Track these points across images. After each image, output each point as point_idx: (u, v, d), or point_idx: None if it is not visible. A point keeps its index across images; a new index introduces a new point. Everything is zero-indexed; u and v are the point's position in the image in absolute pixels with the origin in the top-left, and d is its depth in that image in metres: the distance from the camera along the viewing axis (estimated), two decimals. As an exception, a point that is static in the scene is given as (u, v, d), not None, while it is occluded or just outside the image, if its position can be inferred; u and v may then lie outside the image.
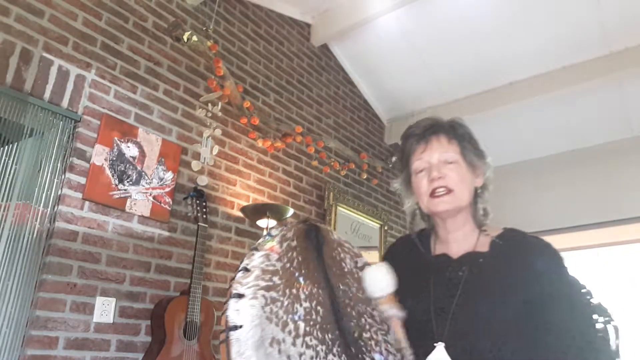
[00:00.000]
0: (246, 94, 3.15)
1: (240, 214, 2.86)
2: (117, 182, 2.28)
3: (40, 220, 2.02)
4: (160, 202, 2.45)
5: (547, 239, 1.03)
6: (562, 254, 1.00)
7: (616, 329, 1.04)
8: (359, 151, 4.18)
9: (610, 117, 3.98)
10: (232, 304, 0.77)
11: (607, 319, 1.05)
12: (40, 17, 2.14)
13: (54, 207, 2.08)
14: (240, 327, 0.75)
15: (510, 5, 3.38)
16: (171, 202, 2.50)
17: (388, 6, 3.38)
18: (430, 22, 3.63)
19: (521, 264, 0.98)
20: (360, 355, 0.88)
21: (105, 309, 2.12)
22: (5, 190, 1.94)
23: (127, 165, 2.34)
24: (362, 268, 1.04)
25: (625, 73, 3.48)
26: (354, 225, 3.87)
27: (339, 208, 3.68)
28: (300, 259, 0.91)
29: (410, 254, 1.15)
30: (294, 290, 0.85)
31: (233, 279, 0.82)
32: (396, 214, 4.55)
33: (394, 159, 4.58)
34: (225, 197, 2.84)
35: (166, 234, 2.46)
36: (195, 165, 2.69)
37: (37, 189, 2.03)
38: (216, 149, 2.83)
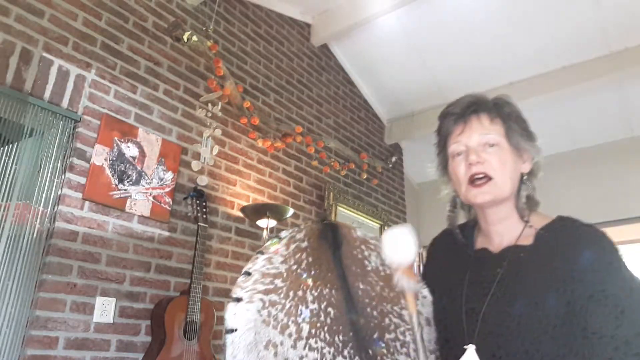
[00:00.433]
0: (246, 94, 3.15)
1: (240, 214, 2.86)
2: (117, 182, 2.28)
3: (40, 220, 2.02)
4: (160, 202, 2.45)
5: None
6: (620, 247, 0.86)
7: None
8: (359, 151, 4.18)
9: (610, 117, 3.98)
10: (231, 307, 0.79)
11: None
12: (40, 17, 2.14)
13: (54, 207, 2.08)
14: (235, 330, 0.77)
15: (511, 5, 3.38)
16: (171, 202, 2.50)
17: (388, 6, 3.38)
18: (430, 22, 3.63)
19: (564, 259, 0.85)
20: (379, 358, 0.85)
21: (105, 309, 2.12)
22: (5, 190, 1.94)
23: (127, 165, 2.34)
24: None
25: (625, 73, 3.48)
26: (354, 225, 3.86)
27: (339, 208, 3.68)
28: (310, 260, 0.89)
29: (451, 248, 1.05)
30: (300, 292, 0.84)
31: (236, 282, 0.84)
32: (396, 214, 4.55)
33: (394, 159, 4.58)
34: (225, 197, 2.84)
35: (166, 234, 2.46)
36: (195, 165, 2.69)
37: (37, 189, 2.03)
38: (216, 149, 2.83)
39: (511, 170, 0.94)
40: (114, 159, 2.29)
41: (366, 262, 0.95)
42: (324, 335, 0.82)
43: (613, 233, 0.91)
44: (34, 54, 2.09)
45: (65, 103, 2.17)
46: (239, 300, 0.80)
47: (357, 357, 0.82)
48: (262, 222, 2.74)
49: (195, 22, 2.91)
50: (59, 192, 2.09)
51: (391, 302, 0.92)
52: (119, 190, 2.28)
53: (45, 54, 2.13)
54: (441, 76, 4.05)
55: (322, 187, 3.62)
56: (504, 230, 0.96)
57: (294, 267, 0.87)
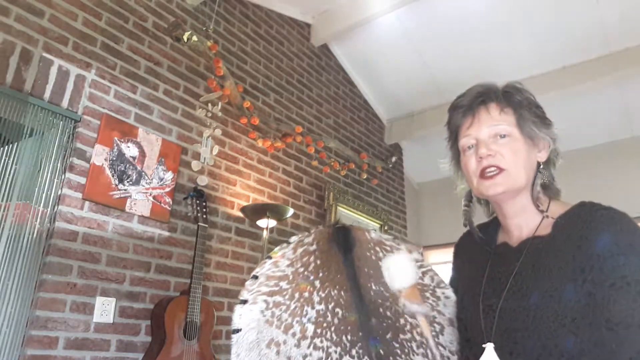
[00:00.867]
0: (246, 94, 3.15)
1: (240, 214, 2.86)
2: (117, 182, 2.28)
3: (40, 220, 2.02)
4: (160, 202, 2.45)
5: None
6: None
7: None
8: (359, 151, 4.18)
9: (610, 117, 3.98)
10: (237, 309, 0.83)
11: None
12: (40, 17, 2.14)
13: (54, 207, 2.08)
14: (240, 330, 0.81)
15: (510, 5, 3.38)
16: (171, 202, 2.50)
17: (388, 6, 3.38)
18: (430, 22, 3.63)
19: (581, 246, 0.80)
20: (392, 358, 0.85)
21: (105, 309, 2.12)
22: (5, 190, 1.94)
23: (127, 165, 2.34)
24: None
25: (625, 73, 3.48)
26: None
27: (339, 208, 3.68)
28: (318, 262, 0.91)
29: (474, 246, 1.02)
30: (306, 294, 0.87)
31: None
32: (396, 214, 4.55)
33: (394, 159, 4.58)
34: (225, 197, 2.84)
35: (166, 234, 2.46)
36: (195, 165, 2.69)
37: (37, 189, 2.03)
38: (216, 149, 2.83)
39: (525, 159, 0.90)
40: (114, 159, 2.29)
41: (380, 264, 0.95)
42: (330, 335, 0.83)
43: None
44: (34, 54, 2.09)
45: (65, 103, 2.17)
46: (244, 302, 0.84)
47: (366, 357, 0.83)
48: (262, 222, 2.74)
49: (195, 22, 2.91)
50: (59, 192, 2.09)
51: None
52: (119, 190, 2.28)
53: (45, 54, 2.13)
54: (441, 76, 4.05)
55: (322, 187, 3.62)
56: (523, 222, 0.93)
57: (301, 269, 0.89)
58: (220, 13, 3.09)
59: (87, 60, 2.29)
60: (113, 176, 2.27)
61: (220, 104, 2.92)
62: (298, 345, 0.81)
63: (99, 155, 2.23)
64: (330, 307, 0.86)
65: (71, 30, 2.25)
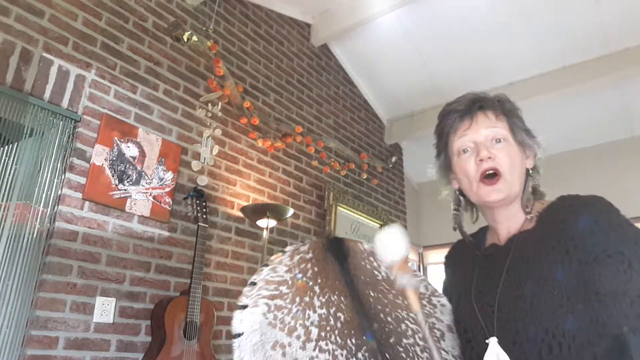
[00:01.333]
0: (246, 94, 3.15)
1: (240, 214, 2.86)
2: (117, 182, 2.28)
3: (40, 220, 2.02)
4: (160, 202, 2.45)
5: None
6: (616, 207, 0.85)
7: None
8: (359, 151, 4.18)
9: (610, 117, 3.98)
10: (237, 315, 0.82)
11: None
12: (40, 17, 2.14)
13: (54, 207, 2.08)
14: (242, 334, 0.80)
15: (510, 5, 3.38)
16: (171, 202, 2.50)
17: (388, 6, 3.38)
18: (430, 22, 3.63)
19: (564, 230, 0.84)
20: None
21: (105, 309, 2.12)
22: (5, 190, 1.94)
23: (127, 165, 2.34)
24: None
25: (625, 73, 3.48)
26: (354, 226, 3.87)
27: (339, 208, 3.68)
28: (315, 269, 0.91)
29: (465, 253, 1.04)
30: (307, 298, 0.86)
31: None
32: (396, 214, 4.55)
33: (394, 159, 4.59)
34: (225, 197, 2.84)
35: (166, 234, 2.46)
36: (195, 165, 2.69)
37: (37, 189, 2.03)
38: (216, 149, 2.83)
39: (519, 166, 0.93)
40: (114, 159, 2.29)
41: (376, 272, 0.97)
42: (335, 339, 0.84)
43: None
44: (34, 54, 2.09)
45: (65, 103, 2.17)
46: (244, 307, 0.83)
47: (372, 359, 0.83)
48: (262, 222, 2.74)
49: (195, 22, 2.91)
50: (59, 192, 2.09)
51: (407, 309, 0.93)
52: (119, 190, 2.28)
53: (45, 54, 2.13)
54: (441, 76, 4.06)
55: (322, 187, 3.62)
56: (511, 222, 0.96)
57: (299, 275, 0.90)
58: (220, 13, 3.09)
59: (87, 60, 2.29)
60: (113, 176, 2.27)
61: (220, 104, 2.92)
62: (304, 348, 0.81)
63: (99, 155, 2.23)
64: (332, 311, 0.86)
65: (71, 30, 2.25)
